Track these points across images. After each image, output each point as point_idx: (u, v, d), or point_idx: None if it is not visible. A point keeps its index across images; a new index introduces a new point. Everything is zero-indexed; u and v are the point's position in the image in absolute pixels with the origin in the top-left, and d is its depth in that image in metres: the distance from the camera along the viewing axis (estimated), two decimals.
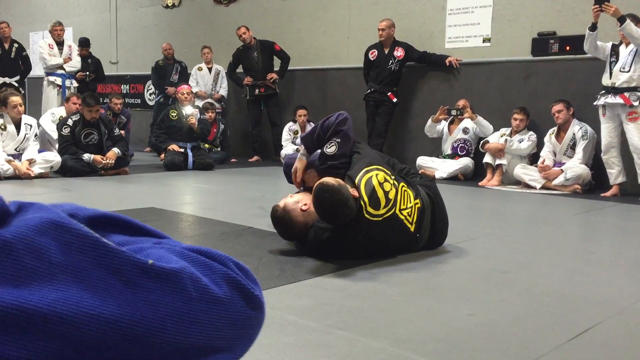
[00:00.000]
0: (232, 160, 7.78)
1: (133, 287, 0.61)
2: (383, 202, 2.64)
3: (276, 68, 7.92)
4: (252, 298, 0.71)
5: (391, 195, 2.68)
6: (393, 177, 2.78)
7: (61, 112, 6.72)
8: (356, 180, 2.65)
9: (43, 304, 0.54)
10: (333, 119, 2.94)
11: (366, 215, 2.61)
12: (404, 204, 2.74)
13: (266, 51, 7.84)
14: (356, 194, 2.60)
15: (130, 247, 0.66)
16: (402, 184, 2.80)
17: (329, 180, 2.58)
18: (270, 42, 7.89)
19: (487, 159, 6.01)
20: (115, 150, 6.07)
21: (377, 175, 2.69)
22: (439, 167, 6.36)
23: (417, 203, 2.83)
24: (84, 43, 8.62)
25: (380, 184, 2.66)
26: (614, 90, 5.12)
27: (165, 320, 0.62)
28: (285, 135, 7.55)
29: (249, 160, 7.92)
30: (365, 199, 2.60)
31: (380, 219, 2.65)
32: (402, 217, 2.73)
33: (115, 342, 0.58)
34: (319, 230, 2.72)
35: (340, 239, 2.69)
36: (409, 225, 2.79)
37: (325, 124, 2.95)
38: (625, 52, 5.11)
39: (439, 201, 3.01)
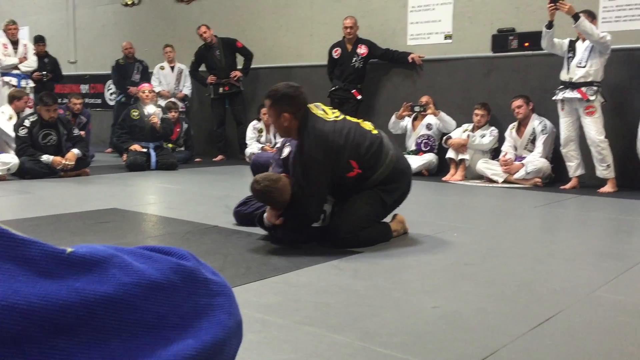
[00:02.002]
0: (197, 159, 7.70)
1: (52, 277, 0.56)
2: (330, 112, 3.09)
3: (240, 66, 7.86)
4: (205, 283, 0.67)
5: (335, 112, 3.13)
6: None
7: (9, 110, 6.51)
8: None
9: None
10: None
11: (323, 116, 3.00)
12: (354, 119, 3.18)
13: (228, 49, 7.77)
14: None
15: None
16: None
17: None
18: (232, 39, 7.82)
19: (450, 154, 6.09)
20: (75, 151, 5.93)
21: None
22: None
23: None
24: (39, 39, 8.41)
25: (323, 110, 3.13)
26: (572, 85, 5.25)
27: (94, 307, 0.56)
28: (250, 133, 7.47)
29: (214, 159, 7.84)
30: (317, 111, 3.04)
31: (338, 118, 3.04)
32: (355, 121, 3.13)
33: (34, 334, 0.52)
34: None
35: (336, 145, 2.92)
36: (367, 127, 3.14)
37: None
38: (581, 47, 5.24)
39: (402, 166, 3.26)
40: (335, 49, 6.94)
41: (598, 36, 5.01)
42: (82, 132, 6.75)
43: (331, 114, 3.06)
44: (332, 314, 2.01)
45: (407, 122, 6.63)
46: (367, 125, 3.19)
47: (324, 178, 2.93)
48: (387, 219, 3.27)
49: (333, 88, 6.97)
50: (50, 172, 5.81)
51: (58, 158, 5.82)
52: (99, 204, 4.27)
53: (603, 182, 5.30)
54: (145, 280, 0.61)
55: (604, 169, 5.24)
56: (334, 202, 3.11)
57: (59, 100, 6.89)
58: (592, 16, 5.17)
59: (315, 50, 7.59)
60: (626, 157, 5.40)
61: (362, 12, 7.11)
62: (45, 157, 5.80)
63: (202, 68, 7.97)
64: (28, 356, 0.52)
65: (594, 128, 5.19)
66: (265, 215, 3.06)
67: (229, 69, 7.75)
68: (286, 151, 3.24)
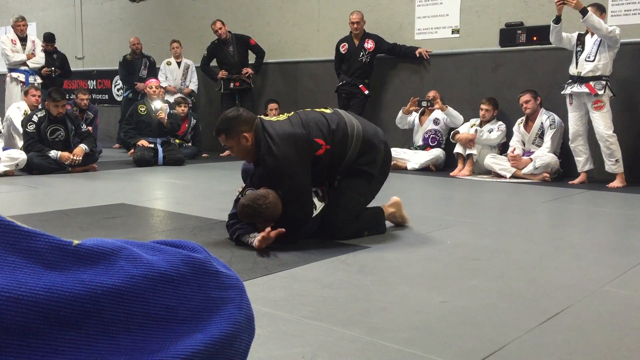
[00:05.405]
0: (204, 155, 7.71)
1: (58, 269, 0.54)
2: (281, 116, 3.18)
3: (251, 61, 7.88)
4: (217, 276, 0.66)
5: (284, 114, 3.19)
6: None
7: (25, 105, 6.57)
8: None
9: None
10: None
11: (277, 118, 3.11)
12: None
13: (242, 45, 7.83)
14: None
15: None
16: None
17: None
18: (245, 36, 7.87)
19: (458, 149, 6.06)
20: (83, 146, 5.95)
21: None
22: (411, 158, 6.40)
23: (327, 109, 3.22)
24: (48, 38, 8.43)
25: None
26: (580, 80, 5.21)
27: (101, 299, 0.55)
28: None
29: (221, 155, 7.85)
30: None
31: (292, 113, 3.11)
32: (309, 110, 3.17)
33: (39, 327, 0.51)
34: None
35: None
36: (319, 110, 3.16)
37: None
38: (590, 41, 5.19)
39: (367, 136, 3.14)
40: (343, 44, 6.93)
41: (606, 30, 4.97)
42: (90, 128, 6.78)
43: (284, 117, 3.11)
44: (340, 309, 2.01)
45: (415, 117, 6.61)
46: (318, 109, 3.21)
47: (305, 172, 2.91)
48: (384, 202, 3.30)
49: (340, 83, 6.97)
50: (58, 167, 5.84)
51: (66, 153, 5.85)
52: (107, 199, 4.29)
53: (612, 177, 5.27)
54: (154, 272, 0.60)
55: (613, 164, 5.20)
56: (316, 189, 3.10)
57: (67, 96, 6.92)
58: (601, 9, 5.13)
59: (322, 45, 7.57)
60: (635, 152, 5.37)
61: (369, 6, 7.09)
62: (53, 153, 5.83)
63: (213, 63, 7.99)
64: (33, 348, 0.51)
65: (603, 123, 5.15)
66: (257, 241, 2.83)
67: (241, 65, 7.80)
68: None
